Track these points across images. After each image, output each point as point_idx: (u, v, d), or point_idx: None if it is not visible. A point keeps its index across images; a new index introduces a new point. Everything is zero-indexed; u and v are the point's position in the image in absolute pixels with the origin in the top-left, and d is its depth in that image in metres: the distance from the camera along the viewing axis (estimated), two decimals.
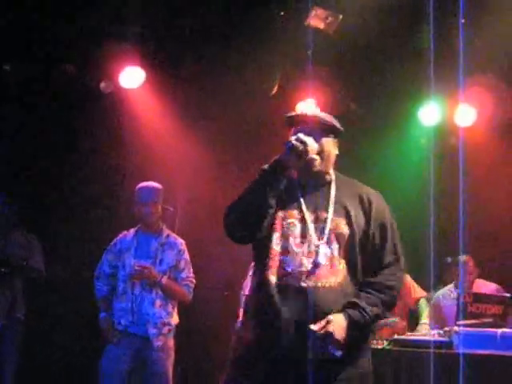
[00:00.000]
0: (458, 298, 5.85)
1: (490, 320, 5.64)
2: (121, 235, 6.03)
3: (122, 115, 7.62)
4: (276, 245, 3.53)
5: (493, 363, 5.18)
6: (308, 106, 3.60)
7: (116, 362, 5.75)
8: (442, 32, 6.51)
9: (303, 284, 3.45)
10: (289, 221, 3.56)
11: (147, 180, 6.02)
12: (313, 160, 3.57)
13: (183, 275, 5.91)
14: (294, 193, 3.63)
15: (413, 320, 7.12)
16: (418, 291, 7.14)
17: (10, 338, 6.39)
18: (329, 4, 6.81)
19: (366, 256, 3.58)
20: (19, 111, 7.45)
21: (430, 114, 7.91)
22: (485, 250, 7.41)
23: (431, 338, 5.66)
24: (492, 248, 7.80)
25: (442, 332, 5.80)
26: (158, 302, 5.77)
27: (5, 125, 7.43)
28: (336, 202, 3.61)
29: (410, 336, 6.04)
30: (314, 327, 3.38)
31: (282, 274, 3.50)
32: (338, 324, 3.41)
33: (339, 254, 3.53)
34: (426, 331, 6.38)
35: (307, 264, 3.47)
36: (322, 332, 3.39)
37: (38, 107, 7.50)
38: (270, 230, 3.54)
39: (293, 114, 3.76)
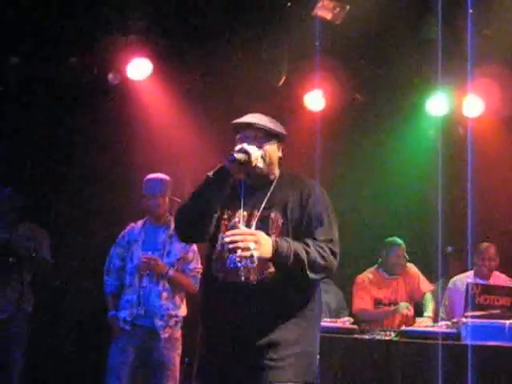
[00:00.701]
0: (466, 290, 5.83)
1: (498, 311, 5.63)
2: (128, 227, 6.03)
3: (130, 107, 7.61)
4: (219, 244, 3.77)
5: (501, 354, 5.18)
6: (253, 116, 3.88)
7: (122, 354, 5.75)
8: (450, 22, 6.49)
9: (241, 279, 3.66)
10: (234, 220, 3.80)
11: (154, 171, 6.01)
12: (256, 167, 3.78)
13: (191, 266, 5.90)
14: (237, 194, 3.86)
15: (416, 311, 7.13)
16: (425, 284, 7.14)
17: (18, 328, 6.39)
18: None
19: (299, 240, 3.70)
20: (27, 104, 7.45)
21: (437, 104, 7.89)
22: (492, 239, 7.39)
23: (439, 330, 5.66)
24: (499, 237, 7.78)
25: (449, 323, 5.80)
26: (165, 294, 5.76)
27: (14, 117, 7.43)
28: (274, 198, 3.82)
29: (417, 327, 6.04)
30: (242, 227, 3.68)
31: (224, 271, 3.71)
32: (262, 236, 3.58)
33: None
34: (430, 323, 6.38)
35: (245, 261, 3.58)
36: (248, 231, 3.61)
37: (46, 100, 7.50)
38: (215, 230, 3.79)
39: (237, 121, 3.92)
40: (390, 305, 7.05)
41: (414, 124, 8.27)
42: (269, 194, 3.84)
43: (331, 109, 7.91)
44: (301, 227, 3.74)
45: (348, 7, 6.75)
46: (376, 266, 7.24)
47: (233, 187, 3.84)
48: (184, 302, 5.93)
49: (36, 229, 6.63)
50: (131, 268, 5.82)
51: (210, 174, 3.71)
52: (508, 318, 5.43)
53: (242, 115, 3.89)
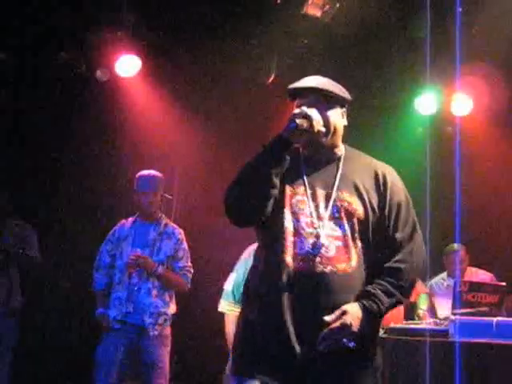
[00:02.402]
0: (453, 287, 5.85)
1: (486, 309, 5.65)
2: (119, 224, 6.00)
3: (118, 103, 7.60)
4: (289, 223, 3.26)
5: (488, 352, 5.19)
6: (313, 79, 3.39)
7: (111, 351, 5.74)
8: (439, 21, 6.50)
9: (317, 269, 3.18)
10: (298, 198, 3.31)
11: (143, 168, 5.99)
12: (319, 133, 3.32)
13: (181, 264, 5.88)
14: (299, 169, 3.38)
15: (408, 311, 7.13)
16: (420, 286, 7.14)
17: (7, 326, 6.38)
18: None
19: (379, 237, 3.30)
20: (14, 100, 7.42)
21: (426, 103, 7.93)
22: (480, 238, 7.43)
23: (427, 327, 5.67)
24: (488, 236, 7.81)
25: (438, 321, 5.81)
26: (155, 292, 5.74)
27: (1, 114, 7.40)
28: (346, 179, 3.35)
29: (405, 325, 6.05)
30: (328, 318, 3.14)
31: (295, 256, 3.21)
32: (353, 315, 3.15)
33: (352, 236, 3.25)
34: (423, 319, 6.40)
35: (320, 246, 3.20)
36: (337, 324, 3.13)
37: (33, 96, 7.47)
38: (280, 207, 3.27)
39: (295, 86, 3.49)
40: None
41: (403, 122, 8.30)
42: (338, 174, 3.36)
43: None
44: (381, 223, 3.30)
45: (337, 5, 6.77)
46: None
47: (291, 162, 3.30)
48: (173, 299, 5.92)
49: (25, 226, 6.61)
50: (121, 265, 5.79)
51: (267, 144, 3.25)
52: (496, 315, 5.44)
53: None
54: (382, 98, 8.07)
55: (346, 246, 3.23)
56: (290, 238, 3.23)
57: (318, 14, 6.76)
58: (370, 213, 3.29)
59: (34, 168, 7.64)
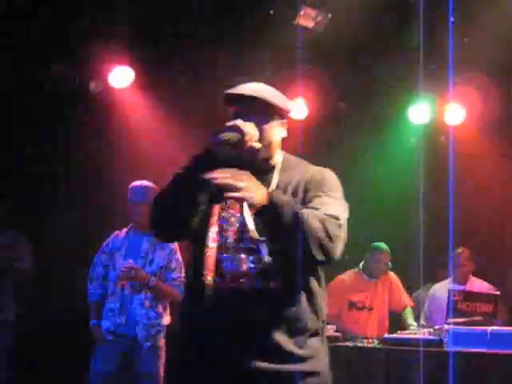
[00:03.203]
0: (448, 296, 5.86)
1: (480, 318, 5.66)
2: (113, 235, 5.98)
3: (112, 114, 7.61)
4: (212, 241, 3.02)
5: (483, 361, 5.20)
6: (251, 85, 3.09)
7: (103, 363, 5.72)
8: (431, 31, 6.52)
9: (242, 286, 2.95)
10: (229, 212, 3.06)
11: (137, 179, 5.98)
12: (253, 149, 3.05)
13: (174, 275, 5.84)
14: None
15: (394, 320, 7.13)
16: (407, 299, 7.14)
17: (1, 339, 6.36)
18: (318, 3, 6.82)
19: None
20: (7, 111, 7.42)
21: (419, 112, 7.95)
22: (474, 246, 7.43)
23: (421, 336, 5.68)
24: (482, 244, 7.83)
25: (432, 330, 5.82)
26: (148, 303, 5.70)
27: None
28: (279, 188, 3.06)
29: (400, 335, 6.05)
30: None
31: (220, 274, 2.98)
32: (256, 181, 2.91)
33: None
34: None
35: (248, 262, 2.97)
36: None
37: (27, 107, 7.47)
38: (206, 223, 3.04)
39: (232, 91, 3.18)
40: (363, 309, 7.04)
41: (396, 132, 8.32)
42: (272, 184, 3.08)
43: (313, 117, 7.93)
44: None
45: (330, 16, 6.79)
46: (358, 267, 7.22)
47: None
48: (167, 310, 5.89)
49: (16, 237, 6.60)
50: (114, 276, 5.76)
51: (193, 156, 3.05)
52: (490, 325, 5.46)
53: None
54: (375, 108, 8.09)
55: (275, 261, 2.95)
56: (213, 256, 3.00)
57: (311, 25, 6.78)
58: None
59: (28, 179, 7.63)
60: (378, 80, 7.80)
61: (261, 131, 3.08)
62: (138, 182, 5.92)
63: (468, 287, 6.88)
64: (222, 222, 3.06)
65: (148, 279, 5.67)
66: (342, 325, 6.69)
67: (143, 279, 5.67)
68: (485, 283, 7.07)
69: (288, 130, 3.25)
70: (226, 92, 3.19)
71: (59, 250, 7.58)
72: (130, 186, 5.91)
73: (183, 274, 5.86)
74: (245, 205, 2.95)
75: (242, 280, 2.96)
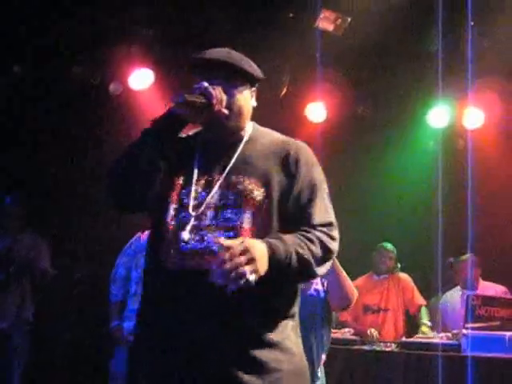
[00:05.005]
0: (466, 301, 5.84)
1: (499, 323, 5.64)
2: (135, 237, 5.99)
3: (132, 117, 7.63)
4: (171, 218, 2.78)
5: (501, 366, 5.19)
6: (220, 51, 2.88)
7: (124, 364, 5.74)
8: (451, 35, 6.52)
9: (206, 266, 2.61)
10: (190, 188, 2.81)
11: None
12: (220, 114, 2.83)
13: None
14: (192, 155, 2.91)
15: (410, 323, 7.13)
16: (420, 298, 7.14)
17: (19, 338, 6.39)
18: (338, 6, 6.83)
19: (288, 224, 2.76)
20: (29, 113, 7.47)
21: (438, 116, 7.93)
22: (492, 250, 7.42)
23: (440, 341, 5.67)
24: (499, 249, 7.80)
25: (450, 335, 5.81)
26: None
27: (16, 126, 7.44)
28: (244, 162, 2.84)
29: (418, 339, 6.05)
30: (226, 242, 2.54)
31: (179, 254, 2.72)
32: (256, 248, 2.56)
33: (251, 225, 2.72)
34: (431, 334, 6.38)
35: (209, 240, 2.70)
36: (239, 248, 2.52)
37: (48, 110, 7.51)
38: (165, 199, 2.81)
39: (198, 56, 2.97)
40: (378, 311, 7.05)
41: (415, 136, 8.31)
42: (238, 153, 2.86)
43: (332, 120, 7.94)
44: (287, 205, 2.78)
45: (349, 19, 6.79)
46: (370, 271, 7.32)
47: (185, 147, 2.92)
48: None
49: (37, 238, 6.64)
50: (136, 277, 5.77)
51: (155, 118, 2.85)
52: (508, 330, 5.44)
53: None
54: (394, 112, 8.09)
55: (238, 237, 2.65)
56: (170, 235, 2.75)
57: (331, 27, 6.79)
58: (275, 198, 2.76)
59: (48, 180, 7.67)
60: (397, 83, 7.79)
61: (230, 97, 2.86)
62: None
63: (480, 291, 6.86)
64: (182, 196, 2.80)
65: None
66: (359, 328, 6.71)
67: None
68: (497, 285, 7.05)
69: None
70: (192, 57, 2.99)
71: (80, 252, 7.63)
72: None
73: None
74: (199, 177, 2.80)
75: (203, 261, 2.67)
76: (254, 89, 3.01)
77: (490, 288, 7.00)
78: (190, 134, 2.98)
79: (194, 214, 2.75)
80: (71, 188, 7.76)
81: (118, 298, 5.90)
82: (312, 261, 2.68)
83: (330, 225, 2.79)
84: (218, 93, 2.79)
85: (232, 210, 2.74)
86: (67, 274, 7.37)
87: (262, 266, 2.55)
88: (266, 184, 2.77)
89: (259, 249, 2.56)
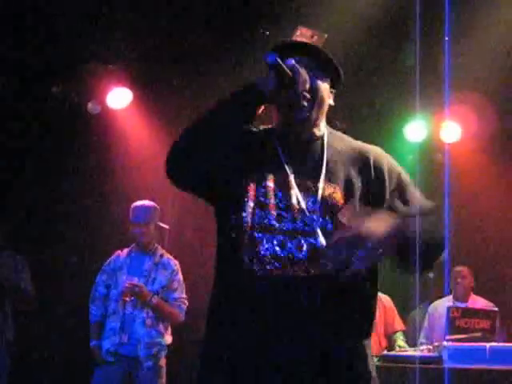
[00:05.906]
0: (446, 313, 5.87)
1: (479, 334, 5.66)
2: (114, 255, 5.99)
3: (110, 136, 7.64)
4: (249, 215, 2.57)
5: (482, 378, 5.20)
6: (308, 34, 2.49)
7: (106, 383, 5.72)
8: (427, 50, 6.57)
9: (293, 273, 2.49)
10: (267, 185, 2.61)
11: (134, 200, 6.00)
12: (302, 98, 2.66)
13: (176, 295, 5.85)
14: (271, 149, 2.71)
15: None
16: (400, 323, 7.11)
17: (1, 359, 6.35)
18: (314, 23, 6.87)
19: None
20: (5, 132, 7.43)
21: (415, 130, 7.99)
22: (468, 263, 7.46)
23: (420, 354, 5.68)
24: (477, 263, 7.85)
25: (431, 347, 5.83)
26: (149, 322, 5.71)
27: None
28: (329, 165, 2.68)
29: (399, 352, 6.06)
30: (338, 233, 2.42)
31: (258, 258, 2.52)
32: (378, 218, 2.48)
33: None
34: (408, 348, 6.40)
35: (296, 246, 2.53)
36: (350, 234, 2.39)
37: (25, 128, 7.49)
38: (241, 195, 2.59)
39: (287, 40, 2.89)
40: None
41: (393, 150, 8.25)
42: (323, 158, 2.67)
43: None
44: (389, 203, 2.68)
45: (326, 35, 6.83)
46: None
47: (262, 140, 2.72)
48: (169, 329, 5.89)
49: (17, 257, 6.60)
50: (115, 295, 5.76)
51: (236, 91, 2.66)
52: (488, 341, 5.46)
53: None
54: (371, 125, 8.13)
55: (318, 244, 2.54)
56: (248, 236, 2.54)
57: None
58: (357, 205, 2.65)
59: (26, 200, 7.64)
60: (375, 98, 7.84)
61: (314, 84, 2.69)
62: (139, 202, 5.93)
63: (470, 305, 6.89)
64: (259, 194, 2.60)
65: (150, 297, 5.67)
66: None
67: (145, 297, 5.66)
68: (486, 301, 7.08)
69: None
70: (281, 40, 2.83)
71: (59, 272, 7.59)
72: (131, 207, 5.92)
73: (184, 295, 5.87)
74: (290, 176, 2.61)
75: (288, 266, 2.51)
76: (333, 90, 2.87)
77: (480, 302, 7.04)
78: (261, 128, 2.79)
79: (274, 214, 2.58)
80: (49, 208, 7.73)
81: (96, 318, 5.89)
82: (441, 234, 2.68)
83: (436, 208, 2.79)
84: (304, 73, 2.63)
85: (318, 216, 2.58)
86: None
87: (382, 230, 2.46)
88: (349, 191, 2.65)
89: (380, 217, 2.50)
